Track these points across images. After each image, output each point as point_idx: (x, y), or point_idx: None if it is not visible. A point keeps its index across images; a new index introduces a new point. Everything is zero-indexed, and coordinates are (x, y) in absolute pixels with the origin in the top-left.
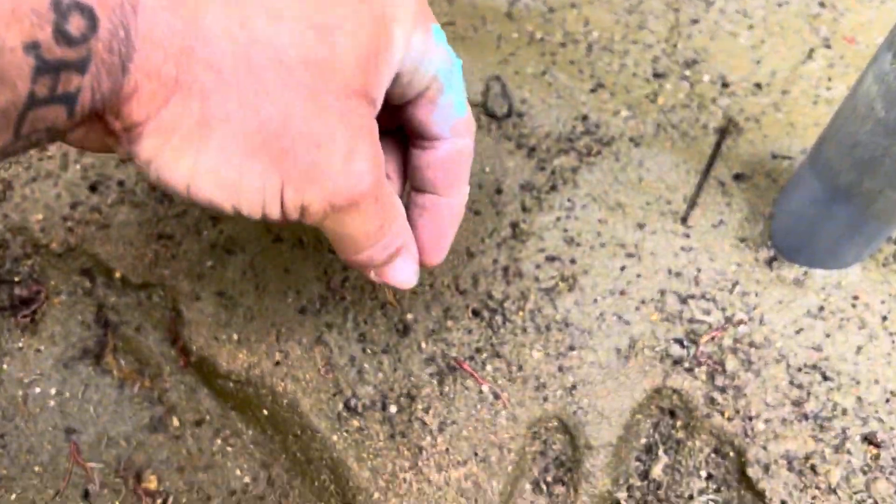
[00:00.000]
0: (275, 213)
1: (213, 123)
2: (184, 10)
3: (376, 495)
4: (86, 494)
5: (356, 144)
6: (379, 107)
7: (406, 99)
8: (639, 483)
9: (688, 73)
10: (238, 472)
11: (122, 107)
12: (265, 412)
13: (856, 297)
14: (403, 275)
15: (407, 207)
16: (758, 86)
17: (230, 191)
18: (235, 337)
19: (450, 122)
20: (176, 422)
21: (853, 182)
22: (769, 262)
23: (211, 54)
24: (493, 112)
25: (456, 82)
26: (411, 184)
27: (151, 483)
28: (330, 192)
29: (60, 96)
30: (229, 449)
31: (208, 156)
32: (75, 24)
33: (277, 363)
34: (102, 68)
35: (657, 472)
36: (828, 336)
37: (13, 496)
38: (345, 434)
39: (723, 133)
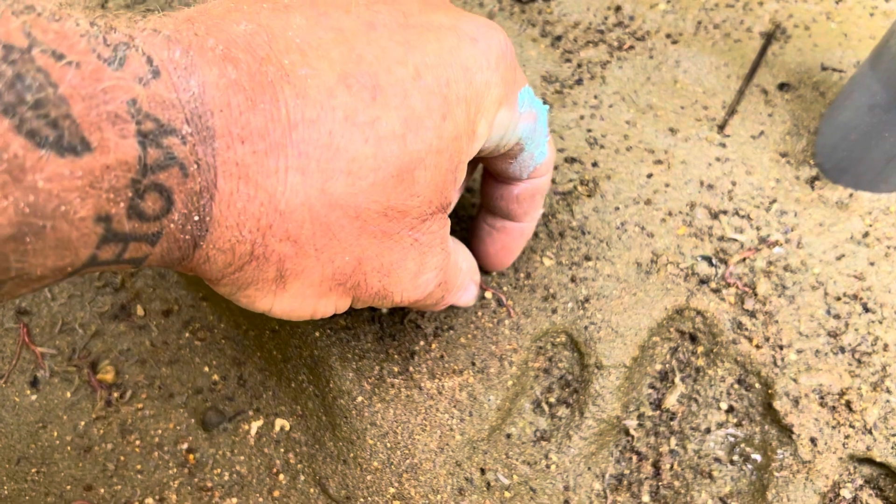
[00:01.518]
0: (343, 310)
1: (289, 279)
2: (262, 192)
3: (360, 399)
4: (34, 382)
5: (426, 260)
6: (456, 199)
7: (485, 156)
8: (650, 412)
9: None
10: (206, 368)
11: (195, 267)
12: None
13: None
14: (464, 301)
15: (477, 221)
16: None
17: (305, 316)
18: None
19: (529, 170)
20: (140, 310)
21: None
22: (811, 182)
23: (288, 228)
24: None
25: (539, 134)
26: (486, 207)
27: (108, 375)
28: (397, 301)
29: (126, 261)
30: (198, 343)
31: (283, 301)
32: (151, 204)
33: None
34: (174, 244)
35: (672, 401)
36: (871, 264)
37: None
38: (328, 331)
39: (769, 38)
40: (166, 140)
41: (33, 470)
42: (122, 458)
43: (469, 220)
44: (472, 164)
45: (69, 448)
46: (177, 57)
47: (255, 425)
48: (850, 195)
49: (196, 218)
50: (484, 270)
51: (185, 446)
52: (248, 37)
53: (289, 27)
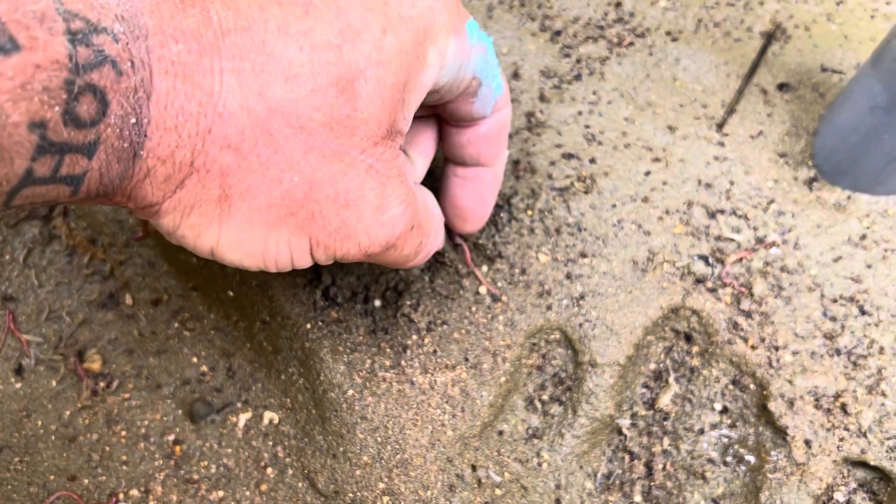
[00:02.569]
0: (305, 265)
1: (234, 199)
2: (199, 90)
3: (350, 392)
4: (19, 369)
5: (387, 192)
6: (407, 129)
7: (444, 101)
8: (644, 412)
9: None
10: (194, 359)
11: (134, 189)
12: (230, 294)
13: None
14: (436, 246)
15: (443, 178)
16: None
17: (256, 258)
18: None
19: (490, 104)
20: (129, 299)
21: None
22: (809, 183)
23: (228, 133)
24: None
25: (491, 66)
26: (450, 159)
27: (95, 364)
28: (365, 245)
29: (64, 178)
30: (187, 333)
31: (230, 229)
32: (86, 107)
33: None
34: (112, 154)
35: (665, 401)
36: (869, 267)
37: None
38: (320, 324)
39: (769, 38)
40: (97, 38)
41: (16, 459)
42: (107, 448)
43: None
44: (440, 135)
45: (53, 438)
46: None
47: (244, 417)
48: (849, 197)
49: (133, 120)
50: (462, 235)
51: (171, 438)
52: None
53: None
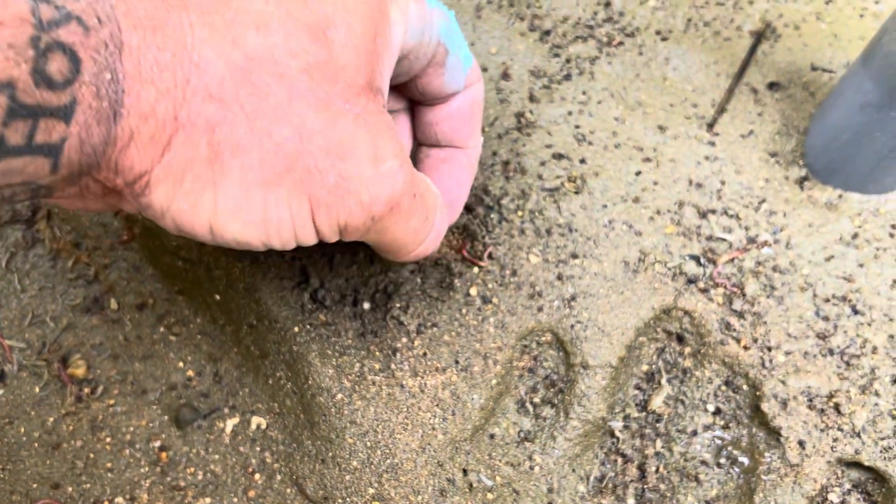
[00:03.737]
0: (310, 239)
1: (226, 156)
2: (171, 41)
3: (339, 396)
4: (1, 375)
5: (379, 143)
6: (386, 96)
7: (414, 73)
8: (636, 413)
9: None
10: (181, 364)
11: (120, 158)
12: (217, 297)
13: (895, 226)
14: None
15: (417, 163)
16: None
17: (257, 227)
18: None
19: (462, 77)
20: (114, 304)
21: None
22: (800, 182)
23: (208, 82)
24: None
25: (456, 35)
26: (422, 141)
27: (79, 370)
28: (367, 203)
29: (41, 146)
30: (173, 338)
31: (227, 192)
32: (57, 66)
33: None
34: (91, 115)
35: (658, 402)
36: (861, 266)
37: None
38: (308, 327)
39: (759, 37)
40: None
41: None
42: (91, 455)
43: None
44: (413, 123)
45: (37, 445)
46: None
47: (231, 423)
48: (840, 196)
49: (108, 76)
50: None
51: (157, 444)
52: None
53: None
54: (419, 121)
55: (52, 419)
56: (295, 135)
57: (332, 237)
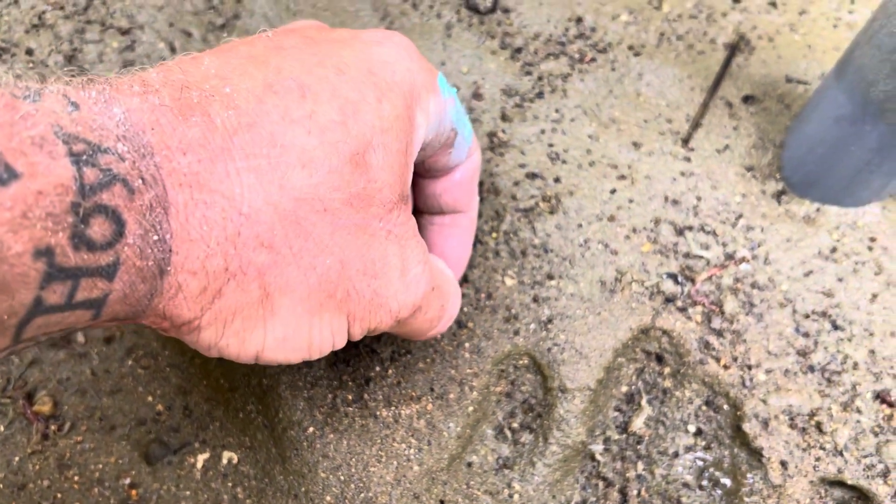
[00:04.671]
0: (341, 345)
1: (275, 296)
2: (218, 195)
3: (311, 429)
4: None
5: (407, 254)
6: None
7: (425, 158)
8: (616, 436)
9: None
10: (150, 398)
11: (168, 307)
12: None
13: (873, 239)
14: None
15: (422, 230)
16: (773, 3)
17: (302, 350)
18: None
19: (465, 151)
20: (81, 337)
21: (891, 93)
22: (777, 196)
23: (259, 232)
24: (475, 5)
25: (461, 114)
26: (425, 210)
27: (45, 406)
28: (395, 311)
29: (81, 303)
30: (141, 371)
31: (276, 329)
32: (98, 229)
33: None
34: (135, 273)
35: (638, 424)
36: (840, 280)
37: None
38: None
39: (733, 49)
40: (102, 158)
41: None
42: (59, 495)
43: None
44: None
45: (1, 486)
46: (94, 95)
47: (202, 458)
48: (818, 210)
49: (155, 237)
50: None
51: (127, 481)
52: (163, 73)
53: (201, 63)
54: (422, 192)
55: (17, 458)
56: (337, 263)
57: (359, 337)
